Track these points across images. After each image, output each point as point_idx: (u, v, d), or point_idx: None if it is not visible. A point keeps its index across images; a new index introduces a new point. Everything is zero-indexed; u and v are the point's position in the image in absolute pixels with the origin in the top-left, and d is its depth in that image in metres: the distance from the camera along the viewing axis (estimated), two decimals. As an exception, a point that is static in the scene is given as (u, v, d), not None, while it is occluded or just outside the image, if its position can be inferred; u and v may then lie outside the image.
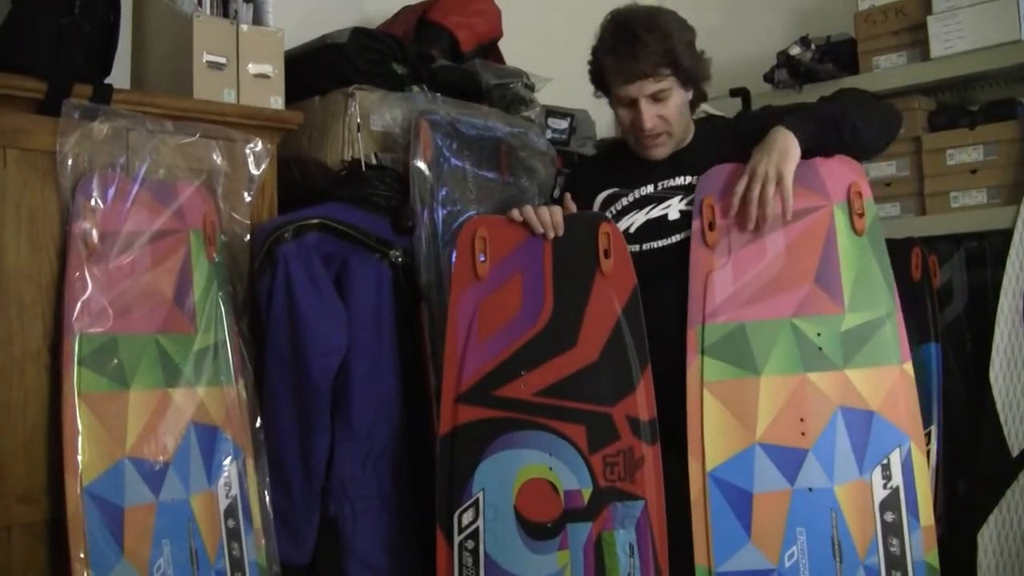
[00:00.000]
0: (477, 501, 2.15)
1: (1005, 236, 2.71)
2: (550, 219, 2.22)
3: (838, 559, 2.03)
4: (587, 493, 2.10)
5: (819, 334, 2.11)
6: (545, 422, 2.14)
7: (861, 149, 2.26)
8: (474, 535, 2.14)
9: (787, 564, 2.04)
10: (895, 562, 2.02)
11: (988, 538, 2.53)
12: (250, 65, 2.49)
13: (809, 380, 2.09)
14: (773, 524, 2.05)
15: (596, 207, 2.36)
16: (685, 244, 2.25)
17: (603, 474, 2.10)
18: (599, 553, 2.09)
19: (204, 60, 2.41)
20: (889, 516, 2.04)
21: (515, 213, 2.26)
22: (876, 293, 2.13)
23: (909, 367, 2.09)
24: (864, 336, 2.10)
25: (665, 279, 2.22)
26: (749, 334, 2.12)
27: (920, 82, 3.18)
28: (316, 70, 2.65)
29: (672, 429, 2.12)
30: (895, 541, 2.03)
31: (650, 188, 2.32)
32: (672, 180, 2.31)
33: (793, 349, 2.11)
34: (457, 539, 2.15)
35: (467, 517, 2.14)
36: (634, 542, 2.07)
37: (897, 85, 3.22)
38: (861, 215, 2.17)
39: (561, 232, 2.22)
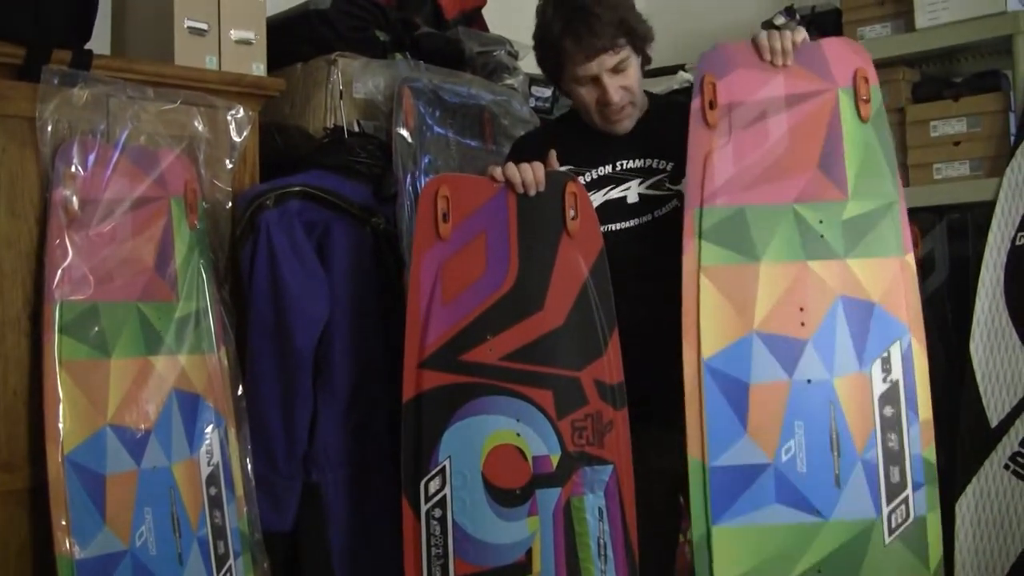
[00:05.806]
0: (444, 469, 2.10)
1: (987, 208, 2.71)
2: (532, 177, 2.12)
3: (836, 453, 1.97)
4: (556, 458, 2.07)
5: (821, 221, 2.04)
6: (512, 387, 2.09)
7: None
8: (441, 503, 2.09)
9: (784, 458, 1.97)
10: (893, 457, 1.97)
11: (966, 508, 2.54)
12: (232, 31, 2.48)
13: (810, 268, 2.02)
14: (770, 417, 1.98)
15: None
16: (643, 228, 2.21)
17: (571, 439, 2.07)
18: (568, 518, 2.07)
19: (185, 26, 2.40)
20: (888, 410, 1.98)
21: (496, 172, 2.16)
22: (880, 182, 2.06)
23: (911, 258, 2.04)
24: (866, 225, 2.04)
25: (622, 263, 2.14)
26: (749, 219, 2.04)
27: (905, 53, 3.16)
28: (298, 37, 2.64)
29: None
30: (893, 436, 1.98)
31: (608, 168, 2.25)
32: (631, 162, 2.24)
33: (794, 236, 2.04)
34: (424, 508, 2.10)
35: (434, 485, 2.10)
36: (603, 506, 2.06)
37: (882, 56, 3.19)
38: (867, 101, 2.08)
39: (543, 188, 2.13)
